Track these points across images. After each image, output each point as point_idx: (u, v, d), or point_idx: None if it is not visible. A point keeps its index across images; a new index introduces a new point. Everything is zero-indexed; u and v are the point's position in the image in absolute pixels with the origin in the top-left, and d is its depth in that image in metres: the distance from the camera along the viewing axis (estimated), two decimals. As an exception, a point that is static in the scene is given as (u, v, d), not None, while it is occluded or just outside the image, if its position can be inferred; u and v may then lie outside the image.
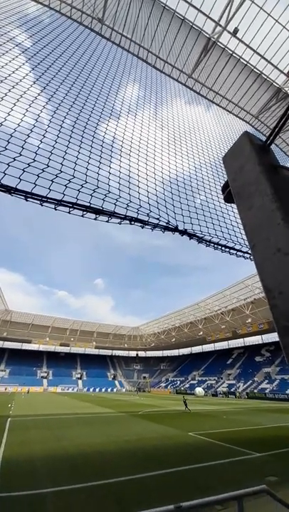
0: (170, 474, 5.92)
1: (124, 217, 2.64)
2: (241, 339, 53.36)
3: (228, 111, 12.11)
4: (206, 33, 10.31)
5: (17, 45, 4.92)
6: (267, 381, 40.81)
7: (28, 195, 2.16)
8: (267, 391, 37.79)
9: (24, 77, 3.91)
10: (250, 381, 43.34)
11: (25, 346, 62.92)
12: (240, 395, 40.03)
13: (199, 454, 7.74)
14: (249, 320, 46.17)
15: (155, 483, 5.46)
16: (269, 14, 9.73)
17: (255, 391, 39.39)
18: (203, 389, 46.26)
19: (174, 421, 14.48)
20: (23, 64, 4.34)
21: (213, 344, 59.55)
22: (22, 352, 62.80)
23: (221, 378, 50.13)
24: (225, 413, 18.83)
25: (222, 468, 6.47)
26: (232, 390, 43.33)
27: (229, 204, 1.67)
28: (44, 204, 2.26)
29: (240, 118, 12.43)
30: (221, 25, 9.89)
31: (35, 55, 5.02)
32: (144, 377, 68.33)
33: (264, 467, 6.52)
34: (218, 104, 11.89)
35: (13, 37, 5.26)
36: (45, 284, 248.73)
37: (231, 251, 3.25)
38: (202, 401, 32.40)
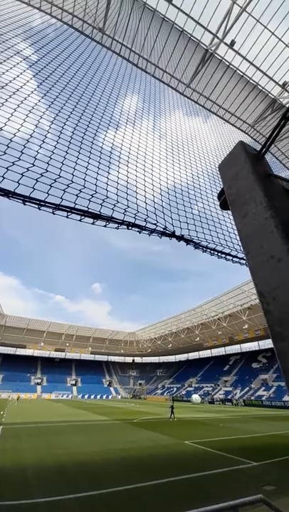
0: (166, 484, 5.80)
1: (122, 222, 2.67)
2: (238, 345, 53.13)
3: (225, 120, 12.37)
4: (204, 45, 10.62)
5: (17, 53, 5.01)
6: (264, 388, 40.52)
7: (26, 199, 2.17)
8: (264, 398, 37.48)
9: (25, 84, 3.97)
10: (247, 388, 43.01)
11: (20, 351, 61.76)
12: (237, 402, 39.61)
13: (195, 463, 7.61)
14: (246, 326, 46.12)
15: (150, 493, 5.34)
16: (265, 27, 10.04)
17: (252, 398, 39.04)
18: (200, 396, 45.72)
19: (170, 429, 14.25)
20: (24, 71, 4.42)
21: (210, 350, 59.16)
22: (16, 357, 61.58)
23: (218, 385, 49.66)
24: (222, 421, 18.59)
25: (218, 477, 6.35)
26: (229, 397, 42.89)
27: (225, 211, 1.71)
28: (42, 208, 2.28)
29: (236, 127, 12.70)
30: (218, 37, 10.20)
31: (36, 62, 5.11)
32: (140, 384, 67.36)
33: (261, 476, 6.42)
34: (215, 113, 12.15)
35: (14, 44, 5.35)
36: (42, 288, 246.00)
37: (227, 257, 3.28)
38: (199, 408, 31.98)
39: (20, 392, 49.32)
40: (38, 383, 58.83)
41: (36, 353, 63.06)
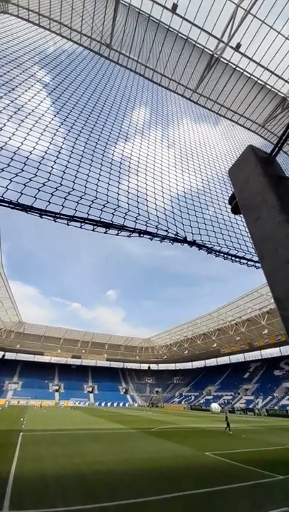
0: (186, 497, 5.60)
1: (134, 230, 2.71)
2: (258, 351, 50.99)
3: (233, 121, 12.29)
4: (209, 50, 10.71)
5: (32, 76, 5.33)
6: (288, 397, 38.36)
7: (42, 212, 2.28)
8: (288, 408, 35.45)
9: (39, 104, 4.21)
10: (270, 397, 40.91)
11: (38, 358, 63.14)
12: (259, 412, 37.72)
13: (217, 475, 7.30)
14: (266, 331, 44.24)
15: (170, 506, 5.18)
16: (271, 27, 9.98)
17: (276, 408, 37.01)
18: (220, 405, 44.06)
19: (189, 439, 13.82)
20: (38, 92, 4.69)
21: (228, 357, 57.22)
22: (34, 364, 62.98)
23: (238, 394, 47.68)
24: (244, 431, 17.77)
25: (242, 491, 6.05)
26: (250, 406, 40.99)
27: (237, 215, 1.71)
28: (57, 220, 2.38)
29: (246, 128, 12.56)
30: (223, 42, 10.26)
31: (48, 83, 5.41)
32: (157, 392, 66.17)
33: (287, 490, 6.05)
34: (223, 116, 12.11)
35: (29, 68, 5.70)
36: (59, 296, 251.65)
37: (242, 261, 3.22)
38: (219, 418, 30.80)
39: (39, 399, 50.10)
40: (56, 390, 59.54)
41: (54, 359, 64.15)
